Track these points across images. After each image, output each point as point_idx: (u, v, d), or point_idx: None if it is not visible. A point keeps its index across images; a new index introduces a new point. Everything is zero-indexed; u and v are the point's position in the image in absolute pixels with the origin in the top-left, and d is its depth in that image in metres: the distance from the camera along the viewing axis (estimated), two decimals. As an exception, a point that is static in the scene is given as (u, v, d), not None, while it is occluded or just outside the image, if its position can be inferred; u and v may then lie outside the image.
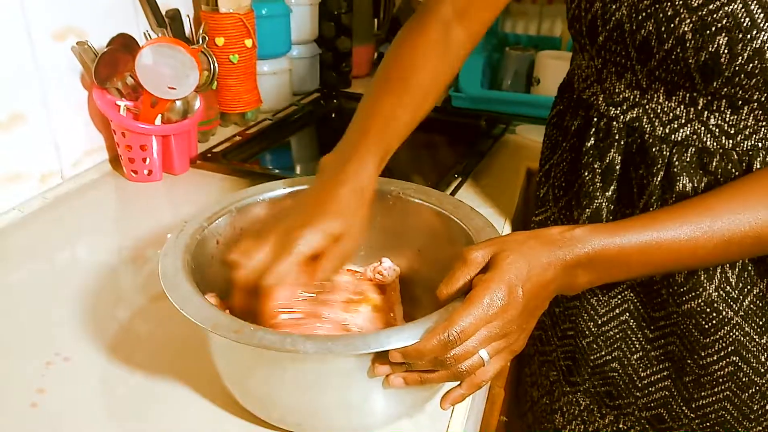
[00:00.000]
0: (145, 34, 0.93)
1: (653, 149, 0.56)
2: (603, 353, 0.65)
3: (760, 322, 0.58)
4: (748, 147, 0.53)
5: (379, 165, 0.54)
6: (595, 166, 0.61)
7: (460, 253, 0.46)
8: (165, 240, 0.51)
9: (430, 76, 0.59)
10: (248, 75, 1.08)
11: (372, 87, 0.59)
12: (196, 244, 0.52)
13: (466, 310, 0.42)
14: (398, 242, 0.62)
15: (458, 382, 0.45)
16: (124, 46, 0.86)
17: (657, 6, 0.51)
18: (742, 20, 0.47)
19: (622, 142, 0.58)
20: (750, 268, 0.57)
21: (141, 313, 0.63)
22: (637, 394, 0.65)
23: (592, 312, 0.64)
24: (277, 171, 0.96)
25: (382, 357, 0.42)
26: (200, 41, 0.97)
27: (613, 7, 0.53)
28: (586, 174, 0.61)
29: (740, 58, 0.48)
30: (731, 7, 0.47)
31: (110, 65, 0.86)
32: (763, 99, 0.50)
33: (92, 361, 0.57)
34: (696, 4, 0.49)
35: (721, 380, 0.60)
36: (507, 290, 0.43)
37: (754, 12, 0.47)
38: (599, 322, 0.64)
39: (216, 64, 0.95)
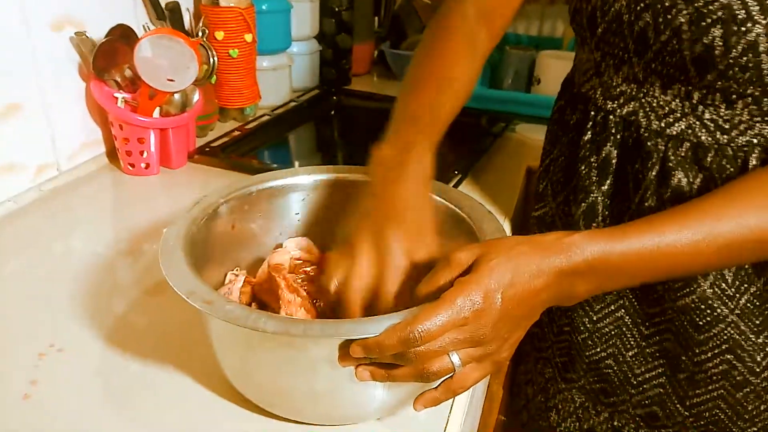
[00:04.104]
0: (144, 26, 0.93)
1: (649, 143, 0.56)
2: (598, 349, 0.65)
3: (757, 321, 0.57)
4: (743, 143, 0.53)
5: (432, 151, 0.54)
6: (592, 160, 0.61)
7: (446, 253, 0.45)
8: (161, 234, 0.51)
9: (462, 72, 0.61)
10: (248, 70, 1.08)
11: (408, 82, 0.60)
12: (207, 217, 0.55)
13: (434, 310, 0.40)
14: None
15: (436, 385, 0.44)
16: (123, 37, 0.86)
17: None
18: (738, 12, 0.47)
19: (619, 136, 0.59)
20: (747, 266, 0.56)
21: (136, 306, 0.63)
22: (632, 391, 0.65)
23: (587, 308, 0.64)
24: (275, 166, 0.95)
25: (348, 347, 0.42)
26: (200, 34, 0.96)
27: None
28: (583, 168, 0.61)
29: (734, 50, 0.48)
30: None
31: (108, 56, 0.85)
32: (757, 94, 0.50)
33: (87, 352, 0.56)
34: None
35: (715, 378, 0.60)
36: (483, 294, 0.41)
37: (750, 5, 0.47)
38: (594, 318, 0.64)
39: (215, 58, 0.95)
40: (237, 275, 0.58)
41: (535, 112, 1.13)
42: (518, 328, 0.44)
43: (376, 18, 1.47)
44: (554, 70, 1.21)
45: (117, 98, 0.87)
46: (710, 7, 0.48)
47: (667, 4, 0.50)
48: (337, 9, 1.26)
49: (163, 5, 0.95)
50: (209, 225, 0.55)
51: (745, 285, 0.56)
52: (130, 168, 0.89)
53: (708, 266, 0.53)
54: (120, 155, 0.89)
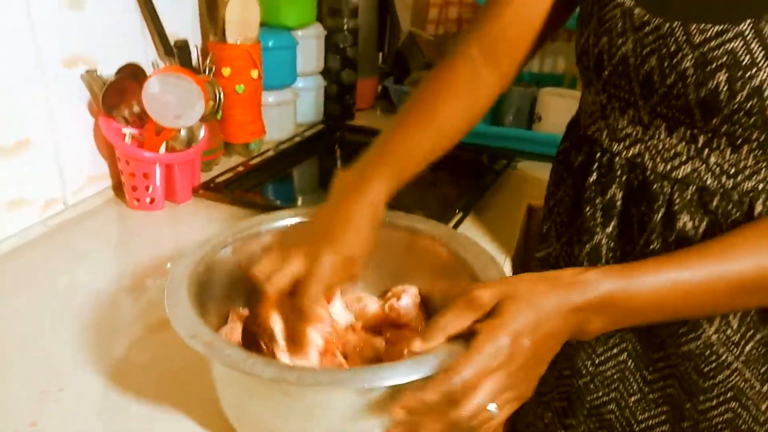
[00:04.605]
0: (153, 63, 0.95)
1: (654, 186, 0.56)
2: (600, 394, 0.64)
3: (762, 369, 0.57)
4: (749, 188, 0.53)
5: (394, 185, 0.55)
6: (597, 201, 0.61)
7: (466, 290, 0.45)
8: (165, 269, 0.52)
9: (454, 110, 0.61)
10: (253, 106, 1.10)
11: (395, 117, 0.61)
12: (215, 257, 0.56)
13: (469, 359, 0.41)
14: (404, 277, 0.62)
15: None
16: (132, 75, 0.87)
17: (661, 41, 0.52)
18: (742, 58, 0.48)
19: (624, 178, 0.59)
20: (752, 313, 0.56)
21: (139, 343, 0.63)
22: None
23: (590, 351, 0.64)
24: (278, 202, 0.96)
25: (390, 403, 0.41)
26: (207, 71, 0.98)
27: (620, 41, 0.54)
28: (588, 209, 0.61)
29: (739, 95, 0.48)
30: (732, 44, 0.48)
31: (118, 94, 0.87)
32: (762, 139, 0.50)
33: (87, 392, 0.56)
34: (698, 41, 0.50)
35: (719, 427, 0.59)
36: (512, 341, 0.42)
37: (754, 50, 0.47)
38: (597, 362, 0.64)
39: (222, 95, 0.96)
40: (241, 313, 0.58)
41: (537, 149, 1.15)
42: (541, 364, 0.46)
43: (380, 54, 1.50)
44: (555, 107, 1.22)
45: (125, 134, 0.88)
46: (715, 53, 0.49)
47: (672, 48, 0.51)
48: (341, 45, 1.28)
49: (172, 43, 0.98)
50: (217, 264, 0.56)
51: (751, 332, 0.56)
52: (136, 203, 0.90)
53: (720, 307, 0.53)
54: (126, 190, 0.90)
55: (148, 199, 0.90)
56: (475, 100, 0.63)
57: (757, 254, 0.47)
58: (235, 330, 0.55)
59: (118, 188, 0.94)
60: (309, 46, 1.24)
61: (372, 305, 0.59)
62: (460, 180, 1.07)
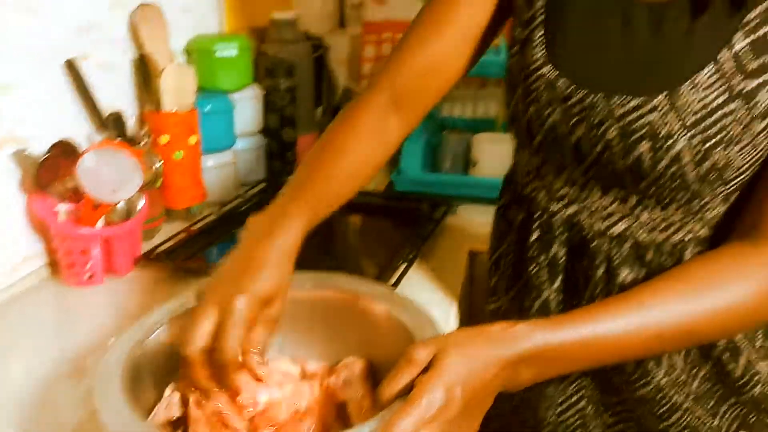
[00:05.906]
0: (88, 137, 0.94)
1: (593, 243, 0.59)
2: None
3: (711, 404, 0.59)
4: (678, 240, 0.57)
5: (306, 226, 0.55)
6: (540, 260, 0.62)
7: (404, 351, 0.47)
8: (107, 347, 0.51)
9: (361, 156, 0.62)
10: (193, 170, 1.10)
11: (304, 162, 0.62)
12: (153, 335, 0.54)
13: (404, 412, 0.42)
14: (348, 342, 0.61)
15: None
16: (64, 152, 0.86)
17: (586, 112, 0.55)
18: (660, 129, 0.51)
19: (564, 236, 0.61)
20: (693, 351, 0.59)
21: (81, 431, 0.61)
22: None
23: (550, 401, 0.65)
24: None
25: None
26: (144, 141, 0.98)
27: (547, 111, 0.57)
28: (532, 268, 0.63)
29: (661, 163, 0.52)
30: (650, 117, 0.51)
31: (51, 171, 0.85)
32: (688, 197, 0.54)
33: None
34: (619, 114, 0.53)
35: None
36: (445, 391, 0.43)
37: (670, 122, 0.51)
38: (558, 411, 0.65)
39: (160, 164, 0.96)
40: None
41: (475, 192, 1.18)
42: (475, 416, 0.47)
43: (319, 109, 1.52)
44: (489, 152, 1.27)
45: (58, 212, 0.87)
46: (636, 125, 0.52)
47: (597, 119, 0.54)
48: (279, 104, 1.30)
49: (106, 115, 0.97)
50: (155, 342, 0.55)
51: (695, 369, 0.59)
52: (74, 279, 0.88)
53: (643, 353, 0.55)
54: (63, 267, 0.88)
55: (86, 276, 0.88)
56: (381, 146, 0.64)
57: (670, 305, 0.50)
58: (171, 405, 0.54)
59: (54, 265, 0.92)
60: (247, 107, 1.25)
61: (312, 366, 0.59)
62: (402, 229, 1.09)
